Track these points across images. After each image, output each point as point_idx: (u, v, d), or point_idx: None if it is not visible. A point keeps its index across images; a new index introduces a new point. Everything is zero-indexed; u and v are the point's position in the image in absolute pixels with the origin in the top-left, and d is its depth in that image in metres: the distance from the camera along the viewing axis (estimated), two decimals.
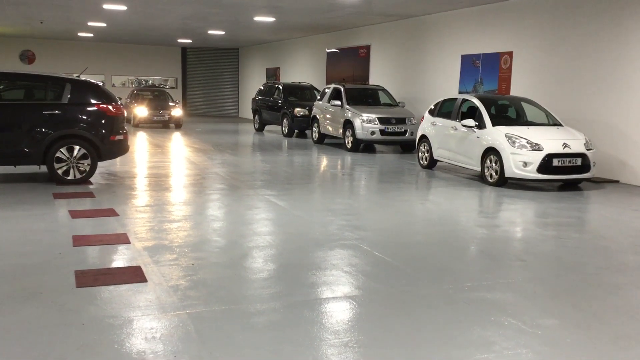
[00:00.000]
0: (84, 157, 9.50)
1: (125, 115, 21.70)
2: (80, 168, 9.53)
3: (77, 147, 9.43)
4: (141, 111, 22.22)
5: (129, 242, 6.14)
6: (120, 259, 5.64)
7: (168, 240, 6.28)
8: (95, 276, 5.02)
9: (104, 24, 21.86)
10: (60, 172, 9.41)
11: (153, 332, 3.92)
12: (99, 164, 10.10)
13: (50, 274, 5.09)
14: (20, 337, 3.79)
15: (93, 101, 9.59)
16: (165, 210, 7.87)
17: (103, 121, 9.60)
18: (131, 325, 4.03)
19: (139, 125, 22.53)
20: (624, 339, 4.07)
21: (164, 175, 11.05)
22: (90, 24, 21.80)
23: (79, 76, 10.19)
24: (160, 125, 22.79)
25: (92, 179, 9.87)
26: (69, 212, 7.53)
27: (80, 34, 26.41)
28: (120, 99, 10.26)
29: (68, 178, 9.46)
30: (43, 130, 9.24)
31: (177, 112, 22.51)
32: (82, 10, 18.28)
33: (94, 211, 7.65)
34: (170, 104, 23.14)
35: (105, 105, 9.62)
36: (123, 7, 17.10)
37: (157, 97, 23.93)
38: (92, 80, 10.16)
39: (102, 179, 10.21)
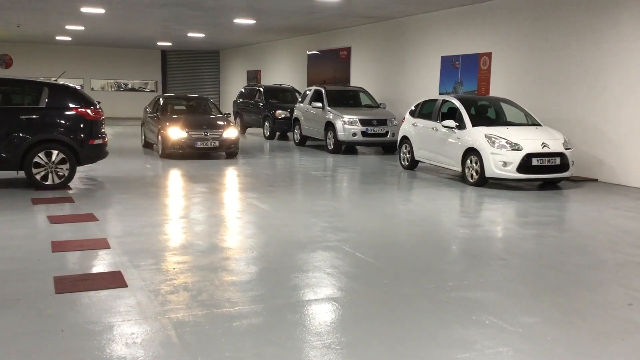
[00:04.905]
0: (62, 161, 9.39)
1: (145, 137, 15.82)
2: (59, 173, 9.42)
3: (55, 152, 9.32)
4: (175, 133, 13.53)
5: (109, 247, 6.08)
6: (100, 264, 5.58)
7: (148, 245, 6.23)
8: (75, 282, 4.96)
9: (82, 28, 21.64)
10: (38, 177, 9.29)
11: (134, 338, 3.88)
12: (78, 168, 9.98)
13: (29, 280, 5.02)
14: None
15: (71, 105, 9.48)
16: (146, 214, 7.80)
17: (82, 125, 9.49)
18: (111, 331, 3.99)
19: (171, 155, 13.80)
20: (604, 335, 4.12)
21: (143, 179, 10.96)
22: (68, 27, 21.57)
23: (56, 80, 10.08)
24: (198, 153, 13.91)
25: (71, 184, 9.76)
26: (47, 217, 7.44)
27: (58, 38, 26.13)
28: (99, 102, 10.15)
29: (47, 183, 9.34)
30: (20, 135, 9.12)
31: (231, 133, 13.96)
32: (59, 14, 18.09)
33: (74, 216, 7.56)
34: (212, 116, 15.12)
35: (83, 110, 9.52)
36: (101, 10, 16.95)
37: (196, 109, 15.68)
38: (70, 84, 10.05)
39: (81, 183, 10.10)
